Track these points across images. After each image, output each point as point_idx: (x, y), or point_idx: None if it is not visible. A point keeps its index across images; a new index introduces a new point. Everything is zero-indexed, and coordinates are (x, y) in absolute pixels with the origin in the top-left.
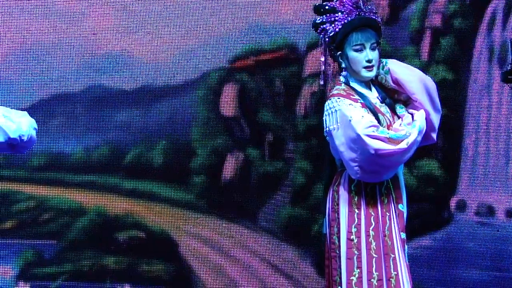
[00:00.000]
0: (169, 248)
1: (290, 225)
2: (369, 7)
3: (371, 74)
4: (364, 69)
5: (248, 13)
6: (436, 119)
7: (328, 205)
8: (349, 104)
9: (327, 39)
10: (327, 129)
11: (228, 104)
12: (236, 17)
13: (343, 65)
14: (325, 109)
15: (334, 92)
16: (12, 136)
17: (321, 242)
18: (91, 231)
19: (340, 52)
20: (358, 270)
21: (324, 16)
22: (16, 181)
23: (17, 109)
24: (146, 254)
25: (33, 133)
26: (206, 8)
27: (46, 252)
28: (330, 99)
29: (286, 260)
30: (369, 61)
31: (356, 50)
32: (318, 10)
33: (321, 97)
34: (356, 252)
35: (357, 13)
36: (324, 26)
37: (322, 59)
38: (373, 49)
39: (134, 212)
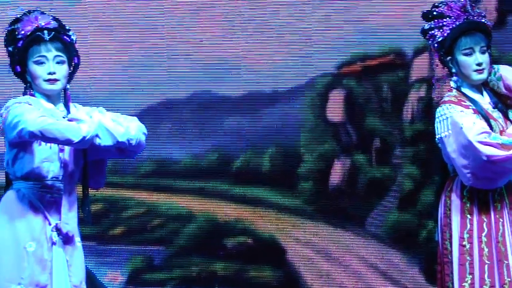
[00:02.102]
0: (277, 254)
1: (397, 230)
2: (478, 10)
3: (482, 76)
4: (474, 72)
5: (355, 18)
6: None
7: (440, 211)
8: (460, 111)
9: (436, 45)
10: (439, 136)
11: (335, 109)
12: (343, 23)
13: (454, 70)
14: (436, 116)
15: (446, 98)
16: (120, 139)
17: (429, 248)
18: (200, 237)
19: (450, 57)
20: (471, 276)
21: (432, 22)
22: (125, 188)
23: (126, 115)
24: (254, 260)
25: (142, 137)
26: (313, 14)
27: (155, 258)
28: (441, 106)
29: (394, 265)
30: (479, 64)
31: (466, 54)
32: (426, 16)
33: (428, 103)
34: (468, 258)
35: (465, 17)
36: (433, 32)
37: (433, 64)
38: (482, 52)
39: (242, 218)
